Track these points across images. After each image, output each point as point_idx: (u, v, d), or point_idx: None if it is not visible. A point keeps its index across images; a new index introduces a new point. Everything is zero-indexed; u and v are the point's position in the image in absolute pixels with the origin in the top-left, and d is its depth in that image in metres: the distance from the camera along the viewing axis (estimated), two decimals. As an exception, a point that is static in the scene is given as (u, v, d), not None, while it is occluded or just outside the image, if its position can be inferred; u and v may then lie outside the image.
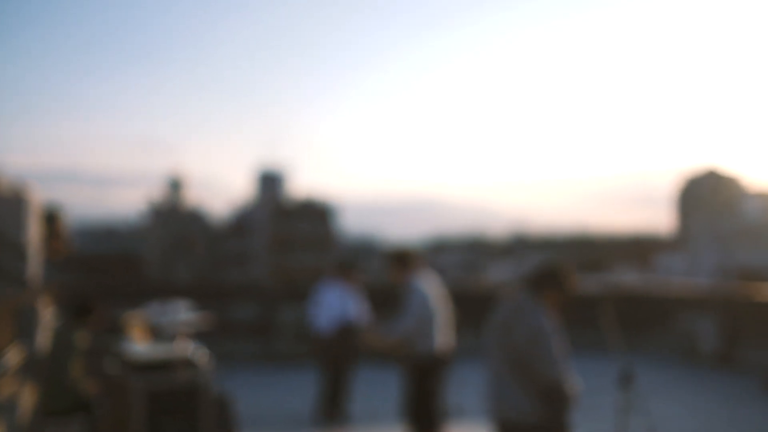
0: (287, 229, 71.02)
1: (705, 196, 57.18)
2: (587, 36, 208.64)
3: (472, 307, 11.06)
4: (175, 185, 77.88)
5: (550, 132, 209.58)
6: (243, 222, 74.68)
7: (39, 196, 4.89)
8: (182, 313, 7.00)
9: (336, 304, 9.07)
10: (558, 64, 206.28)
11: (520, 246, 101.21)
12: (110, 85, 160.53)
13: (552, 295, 4.60)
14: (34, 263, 4.67)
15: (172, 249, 73.98)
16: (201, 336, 7.90)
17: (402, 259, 6.81)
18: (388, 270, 6.95)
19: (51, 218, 5.34)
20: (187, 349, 6.45)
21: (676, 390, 11.44)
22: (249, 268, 71.05)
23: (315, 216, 72.33)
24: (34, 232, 4.67)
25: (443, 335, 6.70)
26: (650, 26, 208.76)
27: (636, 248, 71.16)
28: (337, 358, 9.00)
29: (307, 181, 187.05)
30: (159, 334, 7.18)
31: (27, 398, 4.70)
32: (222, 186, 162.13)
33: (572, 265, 4.80)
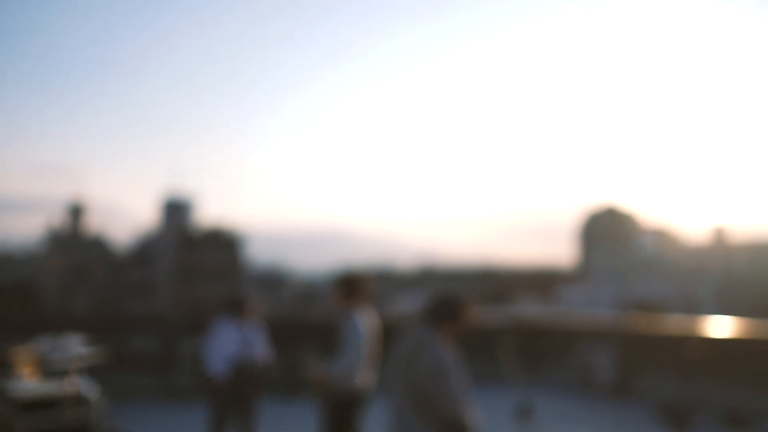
0: (193, 258, 69.63)
1: (604, 231, 59.29)
2: (489, 79, 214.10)
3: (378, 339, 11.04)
4: (76, 211, 75.32)
5: (457, 168, 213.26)
6: (147, 250, 72.81)
7: None
8: (75, 347, 6.71)
9: (230, 343, 8.44)
10: (463, 104, 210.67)
11: (428, 278, 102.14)
12: (6, 109, 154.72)
13: (451, 328, 4.61)
14: None
15: (71, 278, 71.38)
16: (95, 371, 7.59)
17: (349, 286, 6.34)
18: (332, 295, 6.44)
19: None
20: (78, 385, 6.19)
21: (574, 420, 11.69)
22: (152, 299, 69.20)
23: (222, 245, 71.20)
24: None
25: (368, 371, 6.44)
26: (544, 67, 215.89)
27: (539, 280, 72.98)
28: (235, 400, 8.39)
29: (214, 209, 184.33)
30: (49, 370, 6.86)
31: None
32: (126, 213, 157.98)
33: (470, 297, 4.83)
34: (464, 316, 4.65)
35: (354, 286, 6.39)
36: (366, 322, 6.41)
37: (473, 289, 73.77)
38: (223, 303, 8.84)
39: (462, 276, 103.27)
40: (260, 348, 8.67)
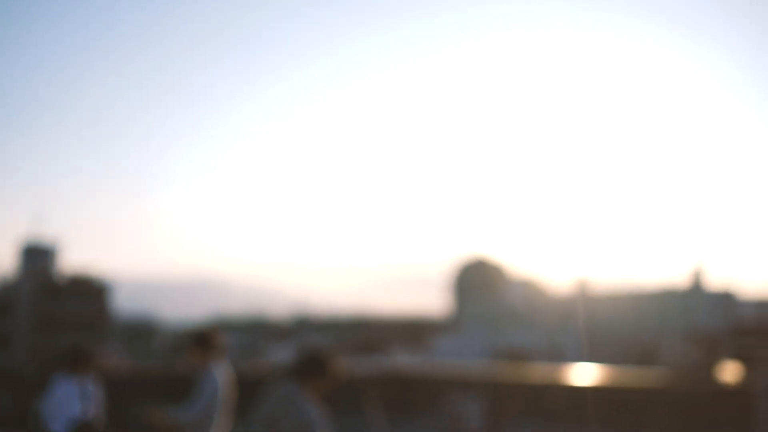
0: (55, 308, 66.23)
1: (474, 283, 60.82)
2: (360, 132, 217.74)
3: (245, 393, 10.87)
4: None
5: (332, 219, 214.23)
6: (4, 299, 68.77)
7: None
8: None
9: (69, 401, 7.72)
10: (337, 155, 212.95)
11: (303, 328, 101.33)
12: None
13: (318, 383, 4.64)
14: None
15: None
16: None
17: (203, 342, 6.47)
18: (187, 351, 6.55)
19: None
20: None
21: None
22: (9, 351, 65.19)
23: (87, 293, 68.13)
24: None
25: (222, 423, 6.49)
26: (412, 122, 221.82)
27: (412, 331, 73.76)
28: None
29: (80, 257, 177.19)
30: None
31: None
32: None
33: (338, 352, 4.89)
34: (331, 371, 4.70)
35: (208, 341, 6.54)
36: (222, 375, 6.52)
37: (346, 339, 73.70)
38: (62, 357, 8.10)
39: (336, 325, 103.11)
40: (98, 405, 8.05)
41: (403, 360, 47.82)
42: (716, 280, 52.33)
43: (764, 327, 47.88)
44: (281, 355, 57.04)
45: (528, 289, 60.48)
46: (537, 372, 16.00)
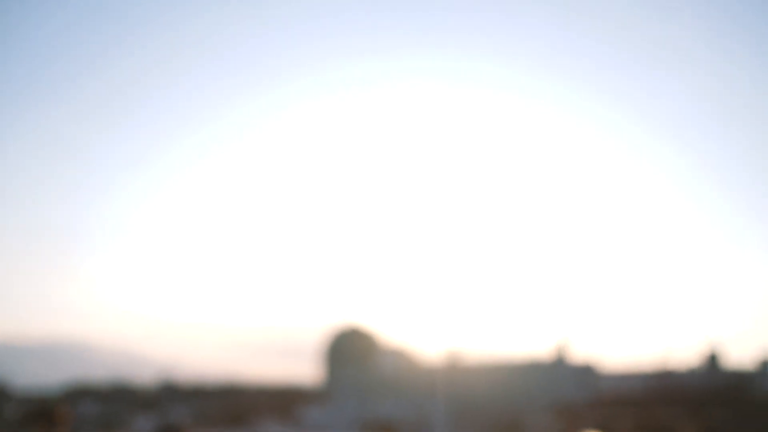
0: None
1: (346, 351, 60.57)
2: (235, 190, 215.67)
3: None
4: None
5: (201, 277, 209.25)
6: None
7: None
8: None
9: None
10: (208, 214, 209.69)
11: (168, 395, 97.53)
12: None
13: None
14: None
15: None
16: None
17: (47, 417, 6.25)
18: (33, 426, 6.27)
19: None
20: None
21: None
22: None
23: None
24: None
25: None
26: (279, 186, 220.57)
27: (282, 400, 72.38)
28: None
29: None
30: None
31: None
32: None
33: (198, 425, 4.75)
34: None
35: (51, 417, 6.26)
36: None
37: (214, 408, 71.47)
38: None
39: (204, 392, 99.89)
40: None
41: (270, 430, 46.78)
42: (579, 353, 54.35)
43: (622, 398, 49.98)
44: (144, 425, 54.52)
45: (399, 359, 60.75)
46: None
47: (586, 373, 53.91)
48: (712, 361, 53.10)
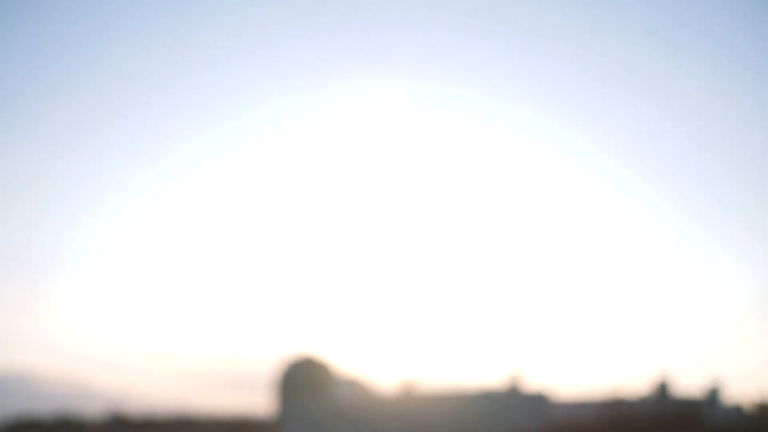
0: None
1: (300, 381, 59.96)
2: (189, 215, 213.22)
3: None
4: None
5: (150, 306, 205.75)
6: None
7: None
8: None
9: None
10: (157, 240, 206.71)
11: (117, 427, 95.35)
12: None
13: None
14: None
15: None
16: None
17: None
18: None
19: None
20: None
21: None
22: None
23: None
24: None
25: None
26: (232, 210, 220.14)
27: (235, 431, 71.31)
28: None
29: None
30: None
31: None
32: None
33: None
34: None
35: None
36: None
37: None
38: None
39: (155, 425, 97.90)
40: None
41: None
42: (532, 383, 54.74)
43: (575, 426, 50.47)
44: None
45: (354, 389, 60.35)
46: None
47: (540, 402, 54.26)
48: (663, 389, 53.85)
